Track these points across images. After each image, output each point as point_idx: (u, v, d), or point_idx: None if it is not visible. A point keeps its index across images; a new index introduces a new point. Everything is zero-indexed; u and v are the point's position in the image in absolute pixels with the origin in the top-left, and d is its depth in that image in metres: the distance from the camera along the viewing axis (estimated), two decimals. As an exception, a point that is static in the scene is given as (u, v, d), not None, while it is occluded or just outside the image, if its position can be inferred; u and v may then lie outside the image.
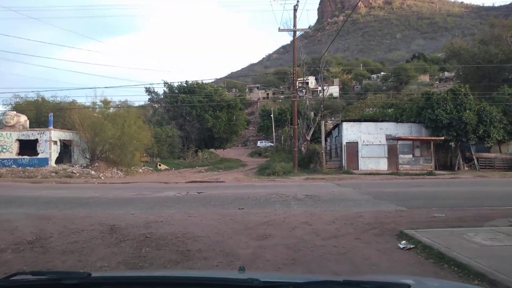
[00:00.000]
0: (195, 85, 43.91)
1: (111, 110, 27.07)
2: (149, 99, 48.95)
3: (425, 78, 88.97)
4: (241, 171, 28.29)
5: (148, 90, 47.15)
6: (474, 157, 25.38)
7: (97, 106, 25.48)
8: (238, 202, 11.28)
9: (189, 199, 12.21)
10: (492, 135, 23.58)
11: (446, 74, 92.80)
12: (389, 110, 34.94)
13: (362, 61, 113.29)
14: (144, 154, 36.78)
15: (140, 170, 27.76)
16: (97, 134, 24.64)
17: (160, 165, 31.94)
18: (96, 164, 24.29)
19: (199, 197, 12.67)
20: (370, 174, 22.98)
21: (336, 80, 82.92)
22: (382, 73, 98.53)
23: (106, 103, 32.99)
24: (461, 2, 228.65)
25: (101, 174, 22.57)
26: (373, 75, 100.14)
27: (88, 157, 25.82)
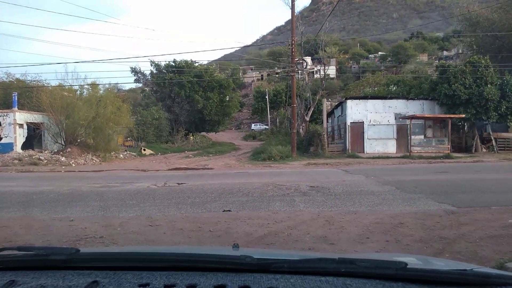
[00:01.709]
0: (184, 64, 40.68)
1: (87, 89, 23.94)
2: (135, 79, 45.60)
3: (424, 57, 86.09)
4: (233, 156, 25.55)
5: (134, 70, 43.80)
6: (492, 138, 22.75)
7: (68, 85, 22.31)
8: (225, 198, 8.56)
9: (162, 194, 9.48)
10: (516, 112, 20.93)
11: (445, 53, 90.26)
12: (393, 87, 32.11)
13: (359, 41, 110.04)
14: (129, 138, 33.99)
15: (121, 156, 24.95)
16: (69, 116, 21.69)
17: (144, 150, 29.13)
18: (69, 149, 21.40)
19: (177, 191, 9.93)
20: (378, 157, 20.33)
21: (333, 61, 79.72)
22: (379, 52, 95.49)
23: (94, 86, 30.05)
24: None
25: (73, 161, 19.72)
26: (370, 55, 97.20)
27: (61, 142, 22.90)
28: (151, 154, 28.72)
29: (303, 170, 15.71)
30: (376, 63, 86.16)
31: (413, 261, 1.52)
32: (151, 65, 42.65)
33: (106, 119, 21.23)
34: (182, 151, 31.63)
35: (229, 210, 6.99)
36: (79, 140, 23.20)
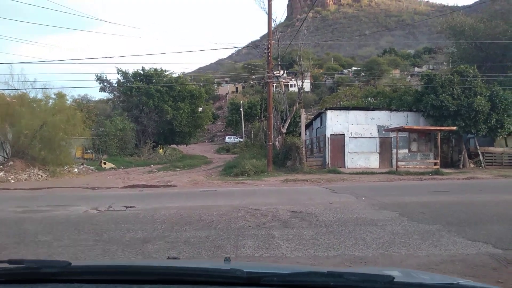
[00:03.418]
0: (153, 72, 38.19)
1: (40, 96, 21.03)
2: (100, 88, 42.54)
3: (396, 73, 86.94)
4: (203, 171, 23.17)
5: (100, 78, 40.84)
6: (479, 152, 21.41)
7: (10, 88, 19.44)
8: (178, 232, 6.29)
9: (97, 224, 7.11)
10: (505, 125, 19.61)
11: (417, 69, 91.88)
12: (372, 100, 30.76)
13: (333, 56, 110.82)
14: (89, 151, 31.06)
15: (76, 170, 22.13)
16: (13, 124, 18.86)
17: (105, 163, 26.31)
18: (11, 163, 18.51)
19: (118, 219, 7.57)
20: (362, 173, 18.50)
21: (308, 74, 78.82)
22: (353, 67, 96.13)
23: (60, 96, 27.19)
24: (427, 1, 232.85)
25: (12, 177, 16.88)
26: (344, 70, 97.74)
27: (3, 154, 19.94)
28: (112, 168, 25.97)
29: (281, 188, 13.58)
30: (350, 77, 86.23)
31: (399, 275, 1.49)
32: (118, 73, 39.95)
33: (55, 128, 18.48)
34: (148, 165, 28.98)
35: (176, 258, 4.71)
36: (27, 152, 20.31)
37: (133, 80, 38.26)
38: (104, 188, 14.40)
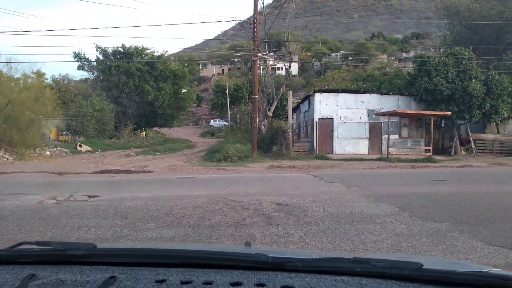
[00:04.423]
0: (133, 50, 36.39)
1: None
2: (78, 66, 40.47)
3: (384, 57, 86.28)
4: (184, 155, 22.02)
5: (78, 56, 38.76)
6: (471, 139, 20.73)
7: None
8: (139, 231, 5.24)
9: (43, 221, 6.00)
10: (500, 111, 18.89)
11: (404, 54, 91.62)
12: (360, 83, 29.77)
13: (321, 39, 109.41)
14: (64, 132, 29.53)
15: (48, 153, 20.74)
16: (-24, 102, 17.29)
17: (81, 146, 24.91)
18: (-27, 144, 17.03)
19: (72, 212, 6.47)
20: (351, 159, 17.65)
21: (295, 58, 77.36)
22: (341, 51, 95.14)
23: (39, 75, 25.40)
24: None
25: (-28, 160, 15.46)
26: (332, 54, 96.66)
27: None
28: (88, 151, 24.61)
29: (266, 176, 12.58)
30: (338, 61, 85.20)
31: (428, 262, 1.44)
32: (97, 50, 38.04)
33: (22, 107, 16.99)
34: (127, 148, 27.71)
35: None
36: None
37: (112, 58, 36.47)
38: (72, 174, 13.17)
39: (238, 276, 1.11)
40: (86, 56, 38.25)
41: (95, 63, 38.95)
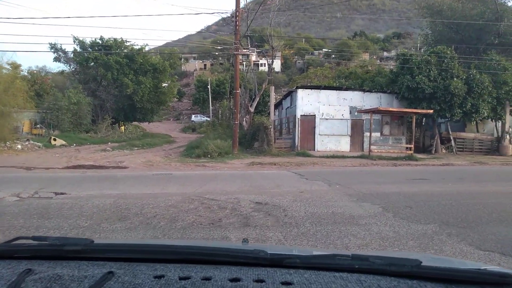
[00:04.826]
0: (112, 42, 35.35)
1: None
2: (54, 58, 39.08)
3: (366, 56, 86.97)
4: (163, 150, 21.42)
5: (54, 47, 37.38)
6: (451, 137, 20.84)
7: None
8: (102, 233, 4.80)
9: None
10: (481, 110, 18.99)
11: (386, 54, 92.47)
12: (342, 80, 29.66)
13: (304, 36, 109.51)
14: (38, 126, 28.45)
15: (19, 147, 19.86)
16: None
17: (55, 140, 23.98)
18: None
19: (34, 211, 5.97)
20: (333, 157, 17.45)
21: (278, 54, 77.06)
22: (324, 49, 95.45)
23: (15, 66, 24.26)
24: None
25: None
26: (315, 52, 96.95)
27: None
28: (63, 145, 23.72)
29: (246, 173, 12.21)
30: (320, 59, 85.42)
31: (427, 258, 1.48)
32: (74, 41, 36.79)
33: (-12, 98, 16.12)
34: (104, 143, 26.87)
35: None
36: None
37: (90, 50, 35.35)
38: (41, 169, 12.49)
39: (237, 272, 1.11)
40: (63, 47, 36.97)
41: (72, 55, 37.71)
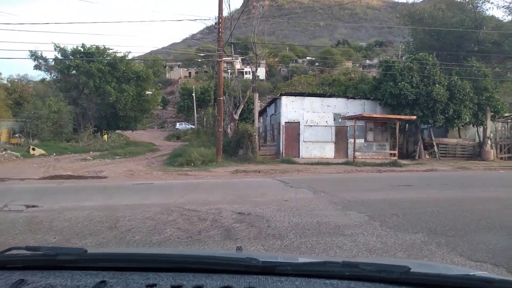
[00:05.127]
0: (94, 50, 34.76)
1: None
2: (35, 66, 38.22)
3: (349, 64, 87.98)
4: (146, 159, 20.98)
5: (34, 55, 36.57)
6: (434, 143, 20.97)
7: None
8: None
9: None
10: (463, 116, 19.17)
11: (368, 61, 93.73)
12: (326, 88, 29.72)
13: (288, 45, 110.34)
14: (17, 135, 27.65)
15: (-5, 157, 19.16)
16: None
17: (34, 149, 23.29)
18: None
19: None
20: (318, 164, 17.32)
21: (262, 61, 77.28)
22: (307, 57, 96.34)
23: None
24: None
25: None
26: (299, 60, 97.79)
27: None
28: (42, 154, 23.03)
29: (230, 181, 11.93)
30: (304, 67, 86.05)
31: (416, 265, 1.48)
32: (55, 49, 36.04)
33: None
34: (86, 152, 26.21)
35: None
36: None
37: (72, 57, 34.67)
38: (16, 180, 11.98)
39: (229, 280, 1.10)
40: (44, 55, 36.20)
41: (53, 63, 36.95)
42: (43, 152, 23.58)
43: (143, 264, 1.25)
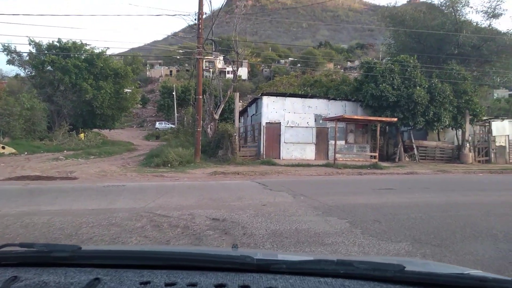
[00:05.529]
0: (71, 46, 33.67)
1: None
2: (8, 60, 36.77)
3: (330, 66, 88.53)
4: (121, 159, 20.28)
5: (7, 49, 35.16)
6: (414, 146, 21.02)
7: None
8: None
9: None
10: (442, 118, 19.24)
11: (349, 64, 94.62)
12: (308, 89, 29.57)
13: (270, 45, 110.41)
14: (-16, 133, 26.41)
15: (-41, 156, 18.15)
16: None
17: (4, 147, 22.28)
18: None
19: None
20: (298, 165, 17.04)
21: (245, 62, 76.93)
22: (290, 58, 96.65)
23: None
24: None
25: None
26: (281, 60, 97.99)
27: None
28: (12, 153, 22.04)
29: (207, 183, 11.49)
30: (286, 67, 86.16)
31: (411, 263, 1.47)
32: (30, 44, 34.76)
33: None
34: (60, 151, 25.30)
35: None
36: None
37: (47, 52, 33.47)
38: (-23, 181, 11.23)
39: (223, 278, 1.10)
40: (17, 49, 34.85)
41: (27, 58, 35.63)
42: (13, 151, 22.60)
43: (137, 261, 1.24)
